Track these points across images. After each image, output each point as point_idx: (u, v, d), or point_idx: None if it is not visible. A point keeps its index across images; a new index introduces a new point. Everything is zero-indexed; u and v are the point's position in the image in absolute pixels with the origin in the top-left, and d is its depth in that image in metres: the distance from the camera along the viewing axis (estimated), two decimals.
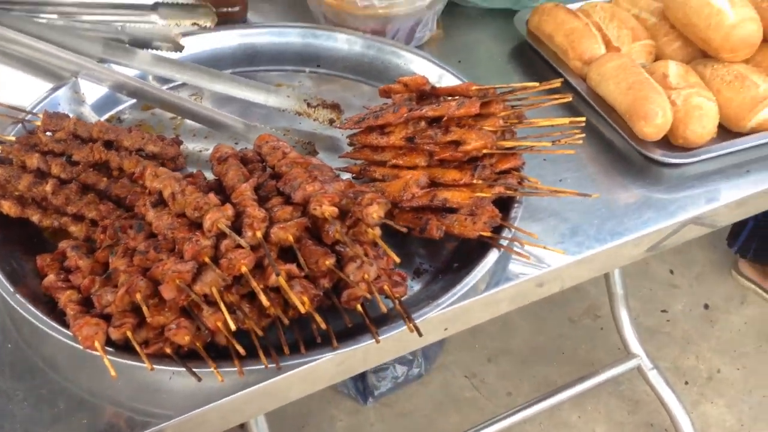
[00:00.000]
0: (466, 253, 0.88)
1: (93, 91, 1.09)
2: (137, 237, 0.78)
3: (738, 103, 1.05)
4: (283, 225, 0.74)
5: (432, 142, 0.91)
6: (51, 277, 0.80)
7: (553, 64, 1.16)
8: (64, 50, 1.06)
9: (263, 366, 0.72)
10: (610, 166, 1.05)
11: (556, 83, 0.92)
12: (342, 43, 1.16)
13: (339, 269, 0.74)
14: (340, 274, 0.74)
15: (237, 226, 0.74)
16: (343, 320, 0.75)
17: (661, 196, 1.00)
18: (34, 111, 1.00)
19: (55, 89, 1.05)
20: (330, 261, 0.74)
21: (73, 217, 0.87)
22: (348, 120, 0.98)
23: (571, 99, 0.94)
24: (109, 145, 0.95)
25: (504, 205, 0.89)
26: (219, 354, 0.73)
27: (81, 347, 0.73)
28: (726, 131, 1.07)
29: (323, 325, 0.71)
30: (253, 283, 0.70)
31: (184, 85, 1.10)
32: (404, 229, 0.79)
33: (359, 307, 0.76)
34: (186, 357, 0.73)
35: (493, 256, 0.84)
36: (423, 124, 0.92)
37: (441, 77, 1.09)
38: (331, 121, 1.04)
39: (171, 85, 1.11)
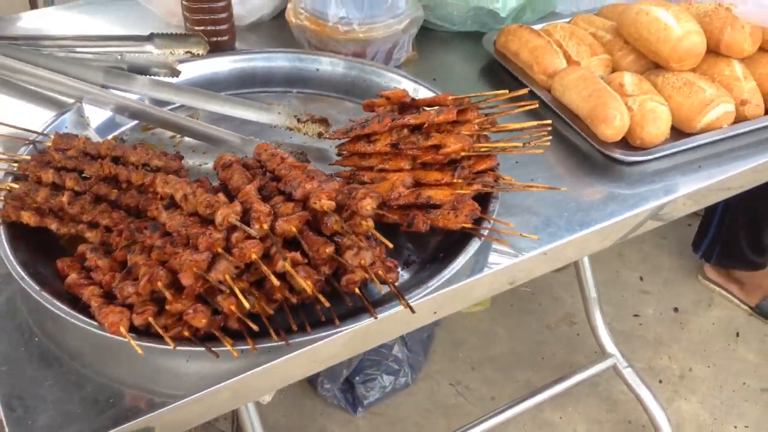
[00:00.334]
0: (450, 245, 0.96)
1: (96, 115, 1.17)
2: (153, 236, 0.86)
3: (688, 106, 1.16)
4: (286, 218, 0.82)
5: (415, 147, 1.01)
6: (73, 276, 0.87)
7: (520, 78, 1.26)
8: (68, 78, 1.15)
9: (274, 343, 0.80)
10: (576, 166, 1.15)
11: (524, 92, 1.03)
12: (326, 65, 1.26)
13: (338, 257, 0.83)
14: (340, 259, 0.82)
15: (245, 221, 0.82)
16: (344, 305, 0.84)
17: (622, 191, 1.11)
18: (45, 133, 1.08)
19: (61, 114, 1.13)
20: (330, 249, 0.82)
21: (88, 224, 0.95)
22: (336, 131, 1.07)
23: (537, 105, 1.04)
24: (116, 160, 1.03)
25: (482, 201, 0.98)
26: (232, 337, 0.81)
27: (107, 334, 0.80)
28: (679, 132, 1.18)
29: (326, 304, 0.80)
30: (264, 268, 0.78)
31: (181, 106, 1.19)
32: (394, 217, 0.88)
33: (357, 290, 0.84)
34: (202, 340, 0.81)
35: (475, 244, 0.93)
36: (406, 131, 1.02)
37: (417, 92, 1.19)
38: (320, 134, 1.14)
39: (169, 107, 1.19)
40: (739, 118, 1.18)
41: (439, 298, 0.93)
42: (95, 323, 0.82)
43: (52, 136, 1.05)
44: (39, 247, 0.96)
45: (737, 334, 2.32)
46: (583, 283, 1.99)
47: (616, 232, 1.07)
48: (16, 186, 0.97)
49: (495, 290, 1.02)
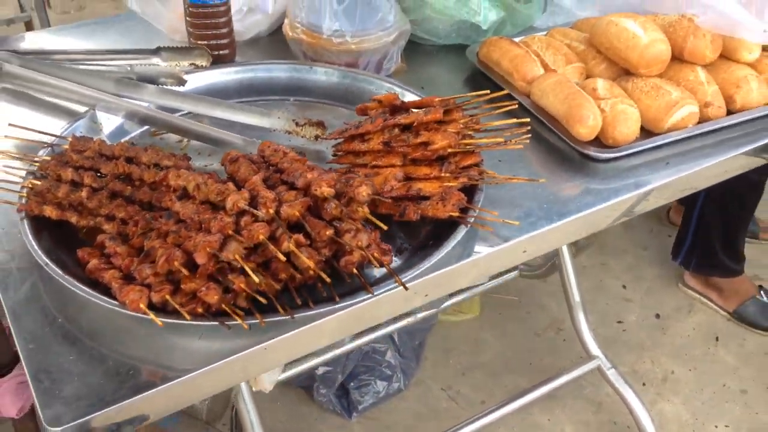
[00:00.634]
0: (439, 233, 1.05)
1: (108, 122, 1.26)
2: (168, 222, 0.94)
3: (655, 108, 1.26)
4: (290, 203, 0.91)
5: (405, 145, 1.10)
6: (94, 262, 0.95)
7: (501, 85, 1.36)
8: (82, 86, 1.23)
9: (281, 317, 0.87)
10: (555, 164, 1.24)
11: (504, 93, 1.12)
12: (321, 75, 1.35)
13: (337, 238, 0.91)
14: (339, 240, 0.91)
15: (252, 206, 0.91)
16: (344, 285, 0.92)
17: (597, 186, 1.20)
18: (62, 136, 1.16)
19: (76, 120, 1.22)
20: (330, 231, 0.91)
21: (105, 217, 1.03)
22: (333, 132, 1.16)
23: (517, 106, 1.14)
24: (129, 161, 1.12)
25: (468, 192, 1.06)
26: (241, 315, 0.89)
27: (128, 312, 0.88)
28: (648, 132, 1.27)
29: (327, 280, 0.88)
30: (271, 246, 0.86)
31: (187, 113, 1.28)
32: (389, 200, 0.97)
33: (355, 270, 0.93)
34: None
35: (462, 230, 1.01)
36: (397, 130, 1.11)
37: (406, 97, 1.28)
38: (317, 137, 1.23)
39: (176, 114, 1.28)
40: (703, 119, 1.28)
41: (431, 281, 1.01)
42: (116, 302, 0.90)
43: (70, 139, 1.13)
44: (60, 239, 1.04)
45: (717, 339, 2.41)
46: (567, 288, 2.08)
47: (592, 222, 1.16)
48: (39, 183, 1.06)
49: (483, 274, 1.10)
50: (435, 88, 1.41)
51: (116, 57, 1.35)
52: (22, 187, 1.06)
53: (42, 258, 0.96)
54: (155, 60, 1.34)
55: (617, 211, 1.19)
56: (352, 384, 2.09)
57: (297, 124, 1.23)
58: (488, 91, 1.10)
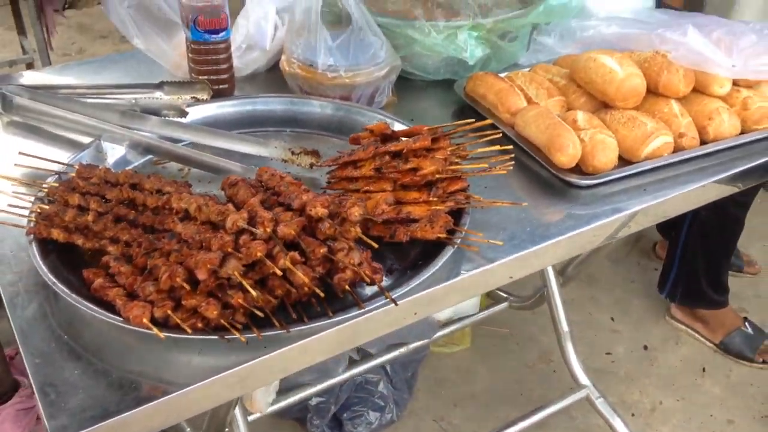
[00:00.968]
0: (427, 254, 1.10)
1: (112, 152, 1.31)
2: (171, 242, 0.99)
3: (632, 138, 1.33)
4: (286, 223, 0.96)
5: (395, 171, 1.16)
6: (99, 281, 1.00)
7: (487, 116, 1.43)
8: (89, 117, 1.30)
9: (277, 331, 0.92)
10: (537, 190, 1.30)
11: (488, 122, 1.19)
12: (316, 107, 1.42)
13: (331, 256, 0.97)
14: (333, 258, 0.96)
15: (251, 225, 0.96)
16: (337, 303, 0.97)
17: (578, 211, 1.25)
18: (69, 164, 1.22)
19: (82, 149, 1.27)
20: (324, 249, 0.96)
21: (110, 239, 1.08)
22: (327, 160, 1.23)
23: (501, 135, 1.21)
24: (133, 187, 1.17)
25: (455, 216, 1.12)
26: (238, 330, 0.94)
27: (131, 327, 0.92)
28: (625, 161, 1.34)
29: (322, 294, 0.93)
30: (268, 263, 0.91)
31: (189, 143, 1.34)
32: (381, 219, 1.02)
33: (347, 287, 0.98)
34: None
35: (449, 251, 1.07)
36: (387, 157, 1.17)
37: (396, 128, 1.35)
38: (312, 165, 1.29)
39: (178, 144, 1.34)
40: (678, 149, 1.35)
41: (420, 299, 1.06)
42: (120, 318, 0.94)
43: (77, 167, 1.19)
44: (66, 261, 1.08)
45: (703, 370, 2.45)
46: (555, 318, 2.13)
47: (574, 244, 1.22)
48: (46, 208, 1.11)
49: (469, 295, 1.15)
50: (424, 120, 1.46)
51: (121, 91, 1.42)
52: (31, 212, 1.11)
53: (49, 277, 1.01)
54: (158, 94, 1.41)
55: (599, 235, 1.25)
56: (345, 415, 2.12)
57: (293, 153, 1.29)
58: (473, 120, 1.17)
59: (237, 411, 1.62)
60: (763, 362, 2.45)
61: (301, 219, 0.98)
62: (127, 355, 0.97)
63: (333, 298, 0.99)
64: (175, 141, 1.32)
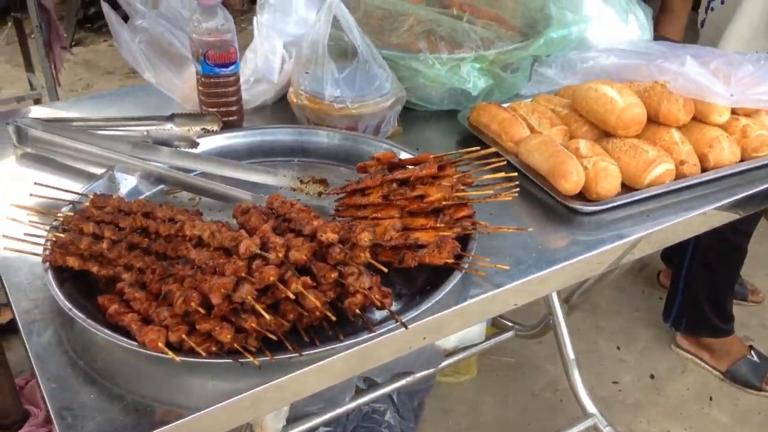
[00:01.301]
0: (435, 280, 1.12)
1: (125, 182, 1.34)
2: (184, 268, 1.01)
3: (634, 165, 1.36)
4: (298, 248, 0.99)
5: (403, 198, 1.18)
6: (114, 307, 1.02)
7: (491, 145, 1.46)
8: (102, 148, 1.33)
9: (290, 354, 0.94)
10: (542, 217, 1.32)
11: (492, 150, 1.22)
12: (323, 137, 1.45)
13: (341, 280, 0.99)
14: (344, 282, 0.98)
15: (263, 251, 0.98)
16: (348, 327, 0.99)
17: (582, 237, 1.27)
18: (84, 193, 1.25)
19: (96, 179, 1.30)
20: (335, 274, 0.98)
21: (124, 266, 1.10)
22: (335, 188, 1.25)
23: (505, 163, 1.24)
24: (146, 215, 1.20)
25: (462, 241, 1.14)
26: (251, 354, 0.95)
27: (147, 351, 0.94)
28: (628, 188, 1.36)
29: (333, 318, 0.95)
30: (281, 287, 0.93)
31: (199, 173, 1.36)
32: (388, 247, 1.04)
33: (358, 311, 0.99)
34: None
35: (457, 275, 1.09)
36: (395, 185, 1.19)
37: (402, 156, 1.38)
38: (320, 193, 1.31)
39: (190, 174, 1.37)
40: (679, 176, 1.37)
41: (428, 323, 1.08)
42: (136, 343, 0.96)
43: (91, 196, 1.21)
44: (80, 288, 1.10)
45: (711, 398, 2.45)
46: (561, 346, 2.13)
47: (580, 270, 1.24)
48: (62, 236, 1.13)
49: (477, 319, 1.17)
50: (429, 149, 1.49)
51: (133, 123, 1.45)
52: (47, 240, 1.14)
53: (65, 304, 1.03)
54: (169, 125, 1.44)
55: (604, 261, 1.27)
56: None
57: (301, 182, 1.32)
58: (478, 148, 1.20)
59: None
60: None
61: (312, 244, 1.00)
62: (142, 379, 0.98)
63: (344, 323, 1.01)
64: (187, 171, 1.35)
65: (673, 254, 2.63)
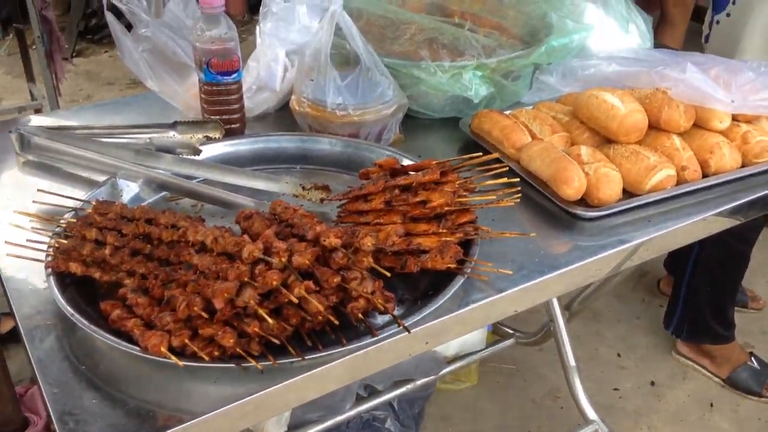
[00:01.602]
0: (436, 285, 1.12)
1: (128, 189, 1.34)
2: (188, 273, 1.02)
3: (636, 171, 1.36)
4: (301, 252, 0.99)
5: (405, 204, 1.18)
6: (117, 312, 1.02)
7: (492, 152, 1.46)
8: (104, 156, 1.33)
9: (293, 358, 0.94)
10: (544, 223, 1.32)
11: (494, 156, 1.23)
12: (325, 145, 1.45)
13: (344, 284, 0.99)
14: (346, 286, 0.98)
15: (266, 256, 0.99)
16: (351, 331, 0.99)
17: (584, 242, 1.28)
18: (86, 200, 1.25)
19: (98, 186, 1.30)
20: (338, 278, 0.98)
21: (126, 272, 1.10)
22: (337, 194, 1.26)
23: (507, 169, 1.24)
24: (149, 222, 1.20)
25: (464, 246, 1.14)
26: (254, 359, 0.95)
27: (149, 356, 0.94)
28: (630, 194, 1.36)
29: (336, 322, 0.95)
30: (284, 291, 0.94)
31: (202, 180, 1.36)
32: (390, 253, 1.05)
33: (360, 315, 1.00)
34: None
35: (459, 280, 1.09)
36: (397, 190, 1.19)
37: (404, 163, 1.38)
38: (322, 200, 1.32)
39: (192, 181, 1.37)
40: (681, 181, 1.38)
41: (431, 327, 1.08)
42: (138, 348, 0.96)
43: (93, 203, 1.22)
44: (83, 294, 1.10)
45: (711, 405, 2.45)
46: (562, 352, 2.13)
47: (582, 274, 1.24)
48: (64, 242, 1.13)
49: (479, 324, 1.17)
50: (431, 157, 1.49)
51: (135, 131, 1.45)
52: (49, 246, 1.14)
53: (68, 309, 1.03)
54: (172, 133, 1.45)
55: (606, 266, 1.27)
56: None
57: (303, 188, 1.32)
58: (480, 154, 1.20)
59: None
60: None
61: (315, 249, 1.00)
62: (144, 384, 0.98)
63: (346, 328, 1.00)
64: (189, 178, 1.35)
65: (675, 261, 2.63)
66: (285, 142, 1.47)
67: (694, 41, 2.39)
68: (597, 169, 1.34)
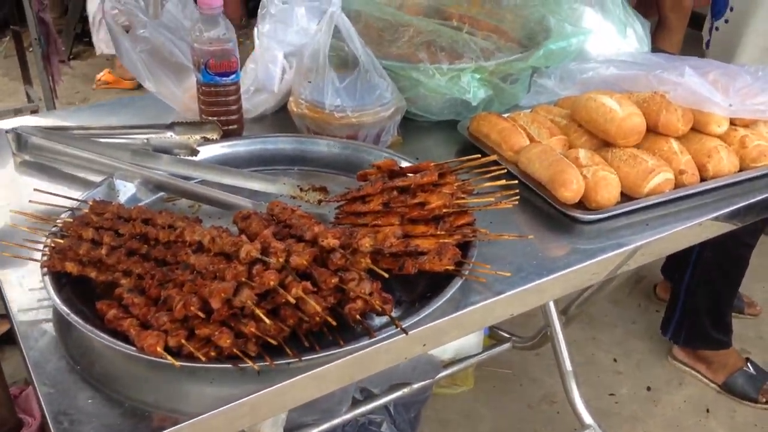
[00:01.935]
0: (434, 287, 1.12)
1: (124, 190, 1.34)
2: (185, 273, 1.01)
3: (634, 174, 1.36)
4: (299, 253, 0.98)
5: (403, 205, 1.18)
6: (113, 312, 1.01)
7: (490, 154, 1.46)
8: (101, 156, 1.33)
9: (289, 359, 0.93)
10: (542, 225, 1.32)
11: (492, 158, 1.23)
12: (323, 146, 1.45)
13: (342, 285, 0.98)
14: (344, 287, 0.98)
15: (264, 256, 0.98)
16: (348, 333, 0.99)
17: (582, 246, 1.28)
18: (83, 200, 1.24)
19: (95, 186, 1.30)
20: (335, 279, 0.98)
21: (123, 272, 1.10)
22: (335, 195, 1.25)
23: (506, 171, 1.24)
24: (145, 222, 1.19)
25: (462, 248, 1.14)
26: (251, 359, 0.95)
27: (145, 356, 0.93)
28: (628, 197, 1.36)
29: (333, 323, 0.94)
30: (281, 291, 0.93)
31: (199, 180, 1.36)
32: (387, 254, 1.04)
33: (358, 316, 0.99)
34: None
35: (457, 282, 1.09)
36: (395, 192, 1.19)
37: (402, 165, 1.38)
38: (320, 201, 1.31)
39: (189, 181, 1.37)
40: (678, 185, 1.38)
41: (429, 329, 1.07)
42: (134, 348, 0.96)
43: (90, 203, 1.21)
44: (79, 294, 1.10)
45: (707, 410, 2.45)
46: (558, 358, 2.13)
47: (580, 277, 1.24)
48: (61, 242, 1.13)
49: (476, 327, 1.17)
50: (429, 159, 1.50)
51: (133, 131, 1.45)
52: (45, 246, 1.13)
53: (63, 309, 1.02)
54: (169, 134, 1.44)
55: (603, 269, 1.27)
56: None
57: (301, 189, 1.32)
58: (479, 156, 1.20)
59: None
60: (767, 402, 2.44)
61: (313, 250, 1.00)
62: (140, 384, 0.98)
63: (344, 329, 1.00)
64: (187, 179, 1.35)
65: (673, 266, 2.63)
66: (283, 143, 1.47)
67: (695, 47, 2.39)
68: (595, 172, 1.33)
